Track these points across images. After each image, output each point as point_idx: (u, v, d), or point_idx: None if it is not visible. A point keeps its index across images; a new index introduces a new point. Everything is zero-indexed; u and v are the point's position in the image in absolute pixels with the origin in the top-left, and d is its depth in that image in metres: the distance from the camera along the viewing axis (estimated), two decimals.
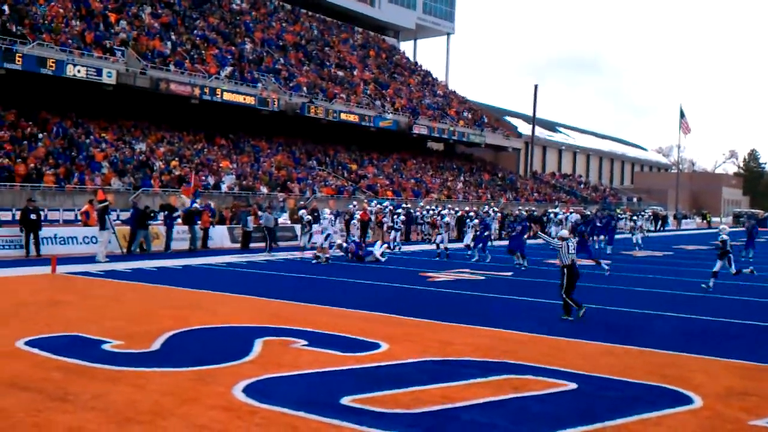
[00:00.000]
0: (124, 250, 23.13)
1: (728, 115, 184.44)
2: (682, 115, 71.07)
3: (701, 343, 11.14)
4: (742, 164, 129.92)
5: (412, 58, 73.14)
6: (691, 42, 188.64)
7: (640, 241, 30.79)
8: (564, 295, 12.89)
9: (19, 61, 31.03)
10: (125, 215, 26.25)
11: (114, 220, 23.59)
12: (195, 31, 44.66)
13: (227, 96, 40.05)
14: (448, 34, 75.69)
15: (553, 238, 14.74)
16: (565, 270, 12.92)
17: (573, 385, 8.29)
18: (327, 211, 24.45)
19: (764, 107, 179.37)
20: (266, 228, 25.17)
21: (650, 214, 45.36)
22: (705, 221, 69.93)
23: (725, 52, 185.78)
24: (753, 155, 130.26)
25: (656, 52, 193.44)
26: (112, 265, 19.52)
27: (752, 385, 8.65)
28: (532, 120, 71.34)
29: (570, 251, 13.02)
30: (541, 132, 79.88)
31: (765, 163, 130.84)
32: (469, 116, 64.48)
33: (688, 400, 7.90)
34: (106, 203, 21.90)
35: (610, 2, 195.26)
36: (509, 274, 20.57)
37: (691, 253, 31.38)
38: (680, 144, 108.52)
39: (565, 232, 14.24)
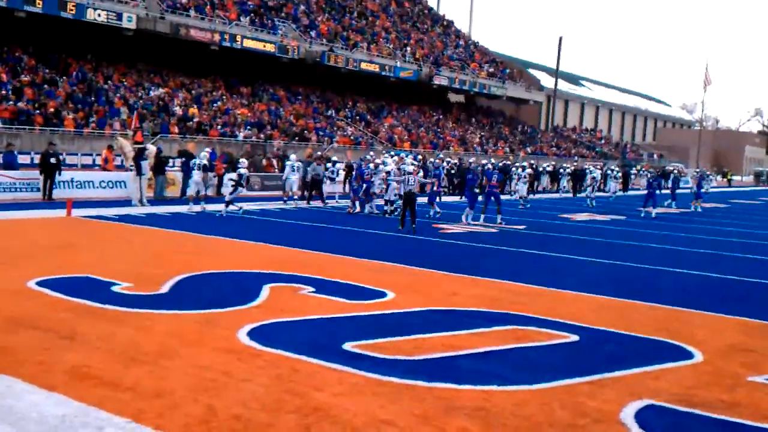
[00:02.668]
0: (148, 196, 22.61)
1: (755, 73, 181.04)
2: (706, 68, 70.09)
3: (707, 300, 11.13)
4: (767, 123, 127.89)
5: (435, 8, 72.14)
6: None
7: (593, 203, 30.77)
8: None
9: (39, 3, 30.96)
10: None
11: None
12: None
13: (247, 43, 39.82)
14: None
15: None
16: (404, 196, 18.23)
17: (575, 337, 8.33)
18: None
19: None
20: (314, 179, 24.67)
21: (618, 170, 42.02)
22: (726, 179, 69.22)
23: (753, 10, 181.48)
24: None
25: (684, 6, 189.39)
26: (128, 210, 19.70)
27: (754, 342, 8.65)
28: (555, 73, 70.46)
29: (409, 183, 18.25)
30: (563, 85, 78.93)
31: None
32: (491, 68, 63.76)
33: (689, 355, 7.92)
34: (144, 146, 21.60)
35: None
36: (522, 227, 20.54)
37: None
38: (704, 101, 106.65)
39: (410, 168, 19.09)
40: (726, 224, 24.50)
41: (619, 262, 14.68)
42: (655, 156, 79.63)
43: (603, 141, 78.17)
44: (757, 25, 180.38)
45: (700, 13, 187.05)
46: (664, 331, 8.87)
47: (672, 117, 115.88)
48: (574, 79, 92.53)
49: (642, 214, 25.73)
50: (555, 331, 8.53)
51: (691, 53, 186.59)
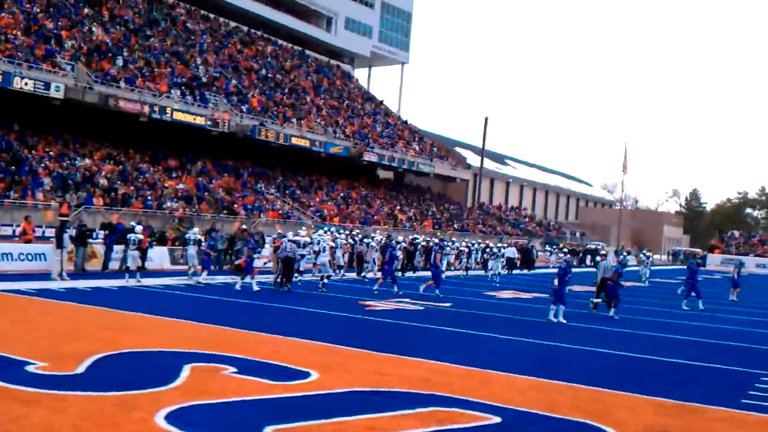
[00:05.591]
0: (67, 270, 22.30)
1: (672, 155, 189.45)
2: (625, 153, 72.98)
3: (626, 380, 11.36)
4: (683, 203, 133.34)
5: (365, 86, 73.66)
6: (638, 82, 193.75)
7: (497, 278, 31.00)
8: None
9: None
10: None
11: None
12: (148, 50, 44.34)
13: (177, 115, 39.72)
14: (403, 64, 76.50)
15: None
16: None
17: (497, 419, 8.38)
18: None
19: (706, 148, 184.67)
20: (286, 260, 22.32)
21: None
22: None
23: (670, 94, 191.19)
24: (694, 194, 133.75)
25: (604, 91, 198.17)
26: (46, 284, 19.12)
27: (671, 422, 8.85)
28: (481, 152, 72.23)
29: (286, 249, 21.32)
30: (489, 164, 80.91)
31: (706, 203, 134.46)
32: (419, 146, 65.04)
33: None
34: (66, 218, 21.32)
35: (560, 39, 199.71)
36: (448, 305, 20.71)
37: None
38: (623, 181, 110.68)
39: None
40: (647, 303, 25.17)
41: (542, 341, 14.90)
42: (577, 234, 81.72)
43: (527, 219, 79.96)
44: (675, 108, 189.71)
45: (620, 97, 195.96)
46: (585, 413, 9.00)
47: (593, 196, 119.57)
48: (499, 158, 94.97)
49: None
50: (478, 413, 8.57)
51: (611, 135, 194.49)
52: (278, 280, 22.48)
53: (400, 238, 32.08)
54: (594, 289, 22.58)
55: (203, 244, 23.62)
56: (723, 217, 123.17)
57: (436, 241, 31.61)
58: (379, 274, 25.65)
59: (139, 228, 22.09)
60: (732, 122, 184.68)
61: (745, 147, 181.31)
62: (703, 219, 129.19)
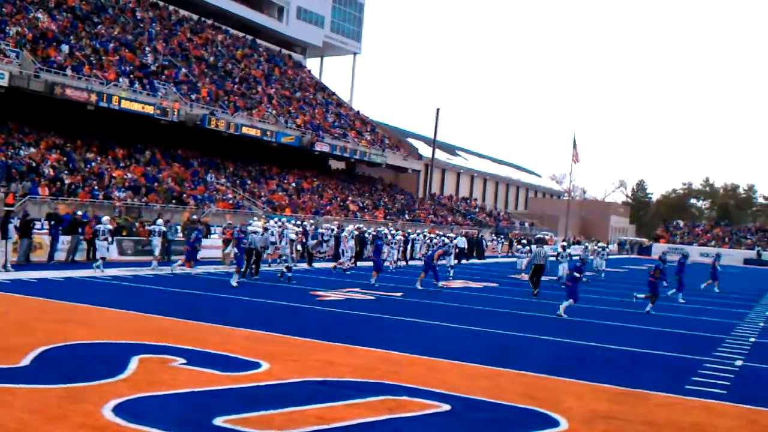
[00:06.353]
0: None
1: (619, 147, 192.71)
2: (574, 144, 74.01)
3: (572, 367, 11.60)
4: (630, 194, 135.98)
5: (317, 76, 73.30)
6: (586, 74, 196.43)
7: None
8: None
9: None
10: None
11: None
12: (95, 37, 43.45)
13: (125, 104, 39.01)
14: (355, 54, 76.30)
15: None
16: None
17: (446, 407, 8.49)
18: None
19: (652, 140, 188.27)
20: (251, 250, 22.81)
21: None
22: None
23: (618, 86, 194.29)
24: (641, 185, 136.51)
25: (553, 84, 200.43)
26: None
27: (617, 408, 9.06)
28: (433, 142, 72.57)
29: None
30: (441, 155, 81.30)
31: (652, 194, 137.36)
32: (371, 137, 65.05)
33: (555, 423, 8.21)
34: (11, 209, 20.92)
35: (510, 31, 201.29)
36: (399, 294, 20.83)
37: None
38: (572, 172, 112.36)
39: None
40: (592, 291, 25.64)
41: (491, 329, 15.11)
42: (526, 224, 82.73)
43: (478, 209, 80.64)
44: (622, 101, 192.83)
45: (569, 89, 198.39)
46: (532, 399, 9.17)
47: (542, 187, 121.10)
48: (450, 149, 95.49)
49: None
50: (427, 401, 8.67)
51: (560, 126, 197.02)
52: (246, 270, 22.65)
53: (351, 227, 32.31)
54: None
55: (179, 235, 24.08)
56: (668, 208, 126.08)
57: (386, 232, 31.78)
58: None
59: (106, 218, 22.83)
60: (678, 115, 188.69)
61: (689, 139, 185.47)
62: (649, 209, 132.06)
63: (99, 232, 22.08)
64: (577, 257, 20.86)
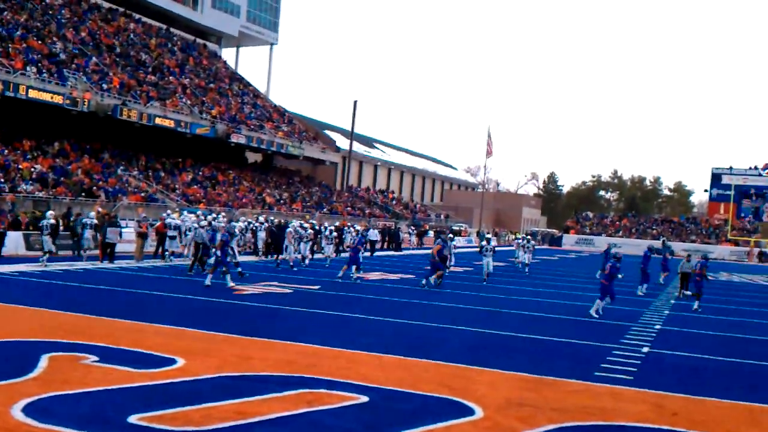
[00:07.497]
0: None
1: (531, 140, 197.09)
2: (488, 137, 75.32)
3: (487, 356, 11.88)
4: (542, 186, 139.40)
5: (233, 66, 72.26)
6: (499, 69, 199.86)
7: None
8: None
9: None
10: None
11: None
12: (0, 24, 41.67)
13: (33, 93, 37.61)
14: (272, 45, 75.50)
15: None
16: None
17: (365, 398, 8.58)
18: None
19: (563, 133, 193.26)
20: (202, 244, 22.97)
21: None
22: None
23: (529, 80, 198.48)
24: (552, 177, 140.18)
25: (467, 78, 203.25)
26: None
27: (529, 395, 9.33)
28: (350, 135, 72.65)
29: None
30: (358, 147, 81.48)
31: (562, 186, 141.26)
32: (288, 128, 64.60)
33: (470, 411, 8.40)
34: None
35: (426, 24, 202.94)
36: (317, 287, 20.83)
37: None
38: (486, 165, 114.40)
39: None
40: (505, 282, 26.19)
41: (407, 320, 15.29)
42: (442, 216, 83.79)
43: (395, 201, 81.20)
44: (535, 94, 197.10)
45: (484, 82, 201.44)
46: (448, 388, 9.35)
47: (458, 179, 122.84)
48: (368, 142, 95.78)
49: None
50: (345, 393, 8.74)
51: (474, 120, 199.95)
52: (192, 264, 23.03)
53: (262, 218, 32.50)
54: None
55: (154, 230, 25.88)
56: (578, 199, 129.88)
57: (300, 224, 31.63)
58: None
59: (51, 213, 23.18)
60: (588, 109, 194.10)
61: (599, 133, 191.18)
62: (560, 201, 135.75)
63: (43, 227, 22.35)
64: (614, 256, 19.52)
